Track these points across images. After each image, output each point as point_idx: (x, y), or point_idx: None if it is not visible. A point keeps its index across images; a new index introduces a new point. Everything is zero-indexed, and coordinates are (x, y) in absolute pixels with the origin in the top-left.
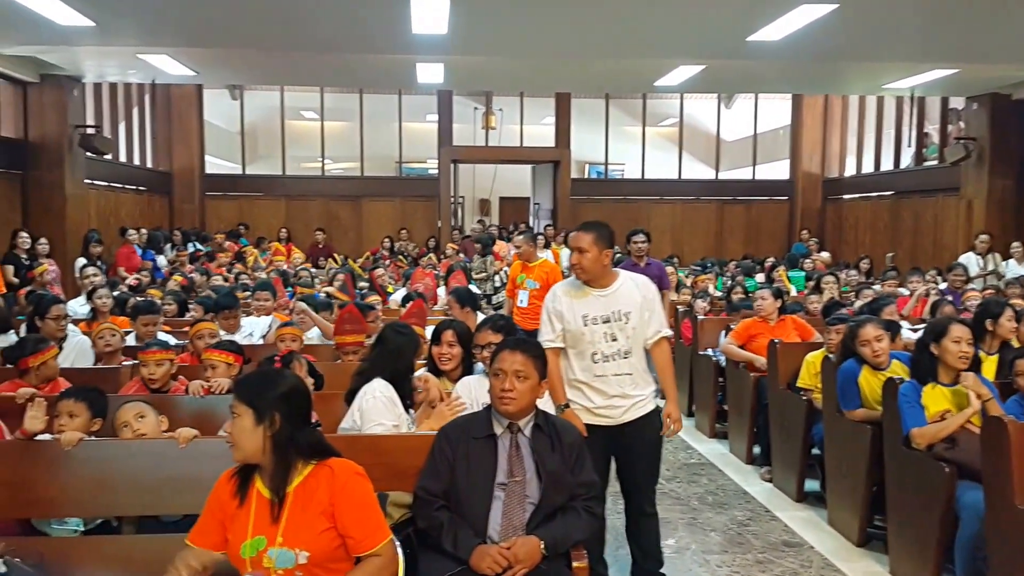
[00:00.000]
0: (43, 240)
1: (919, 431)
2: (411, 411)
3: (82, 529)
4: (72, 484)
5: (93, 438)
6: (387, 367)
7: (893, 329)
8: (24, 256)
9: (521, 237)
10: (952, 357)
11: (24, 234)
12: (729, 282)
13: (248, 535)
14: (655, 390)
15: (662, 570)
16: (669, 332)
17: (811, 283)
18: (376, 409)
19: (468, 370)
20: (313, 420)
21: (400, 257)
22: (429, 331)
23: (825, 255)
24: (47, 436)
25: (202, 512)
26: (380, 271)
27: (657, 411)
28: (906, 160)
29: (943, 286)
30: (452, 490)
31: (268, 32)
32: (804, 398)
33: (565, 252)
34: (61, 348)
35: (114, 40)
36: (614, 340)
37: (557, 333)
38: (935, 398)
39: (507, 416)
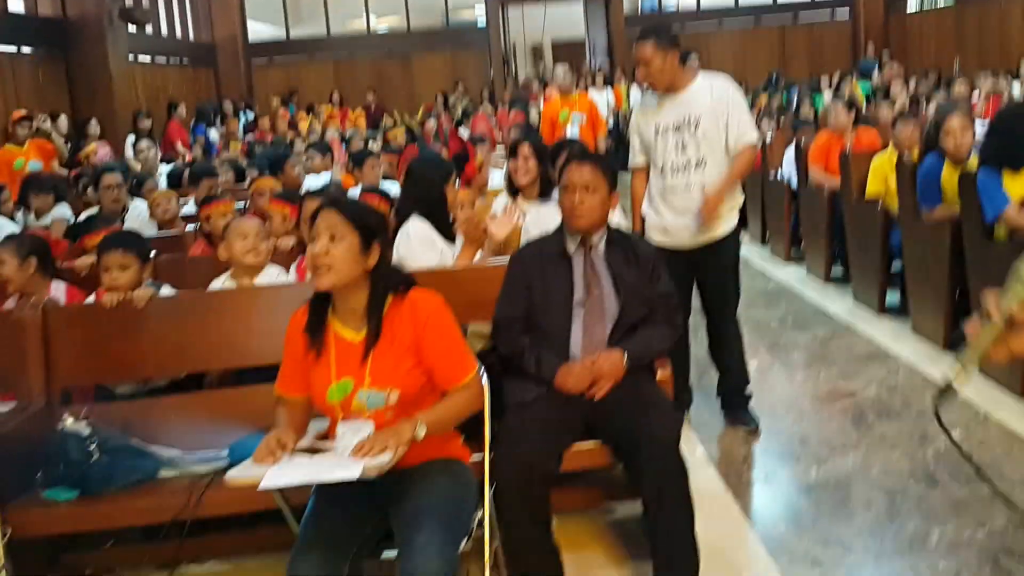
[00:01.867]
0: (93, 121)
1: (1011, 211)
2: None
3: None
4: (150, 344)
5: (165, 292)
6: (420, 201)
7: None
8: (64, 139)
9: (560, 69)
10: None
11: (63, 117)
12: (795, 98)
13: (333, 378)
14: (733, 207)
15: (748, 387)
16: (753, 138)
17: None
18: (412, 251)
19: (545, 190)
20: None
21: (451, 113)
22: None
23: (895, 66)
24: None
25: (283, 358)
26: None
27: (736, 233)
28: None
29: (1016, 88)
30: (531, 313)
31: None
32: (880, 206)
33: (635, 92)
34: (123, 221)
35: None
36: (684, 150)
37: (637, 149)
38: (1014, 185)
39: (578, 231)
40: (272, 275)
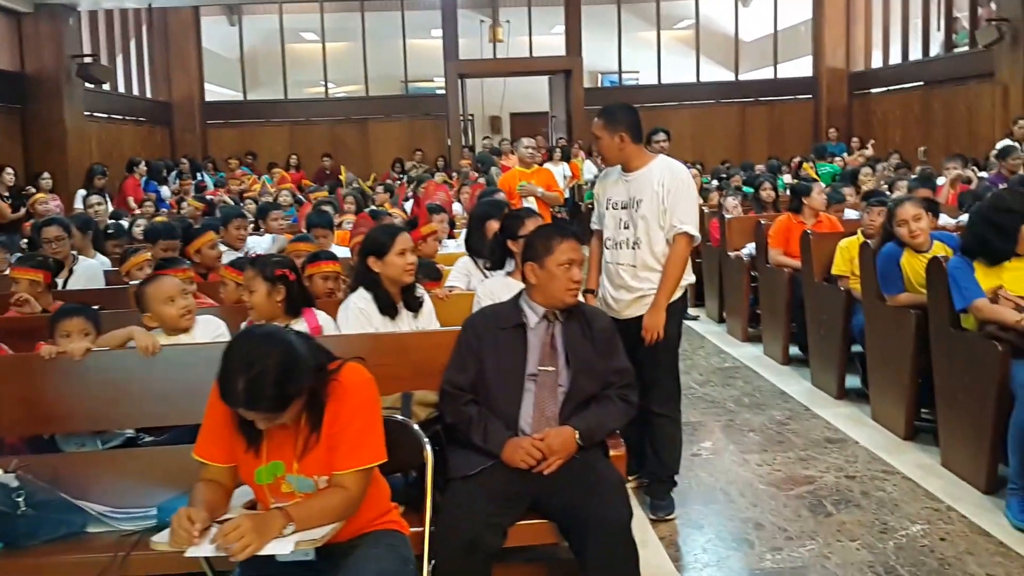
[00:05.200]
0: (45, 174)
1: (982, 303)
2: (410, 311)
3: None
4: (85, 397)
5: (103, 348)
6: (362, 273)
7: (932, 209)
8: (7, 194)
9: (527, 141)
10: None
11: (9, 170)
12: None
13: (263, 459)
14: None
15: (675, 475)
16: (688, 228)
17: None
18: (346, 323)
19: (500, 261)
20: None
21: (405, 179)
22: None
23: (868, 151)
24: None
25: (205, 420)
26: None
27: (677, 311)
28: (935, 48)
29: (983, 174)
30: (480, 383)
31: None
32: (842, 288)
33: (587, 165)
34: (72, 272)
35: None
36: (626, 228)
37: (596, 215)
38: (987, 277)
39: (565, 306)
40: (212, 327)
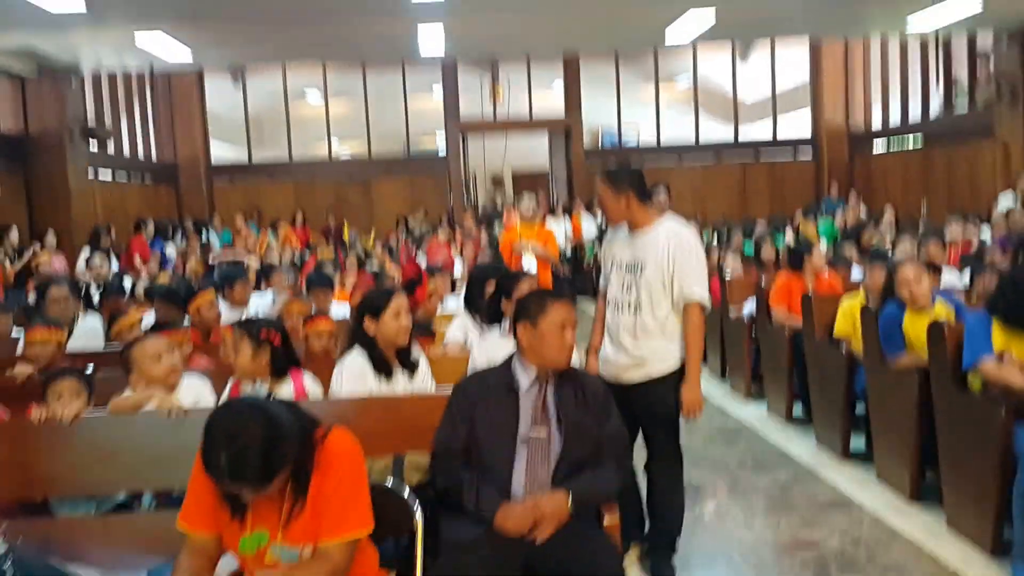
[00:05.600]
0: (51, 232)
1: (990, 364)
2: (407, 371)
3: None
4: (77, 461)
5: (96, 412)
6: (357, 333)
7: (934, 270)
8: (12, 253)
9: (527, 198)
10: None
11: (15, 230)
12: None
13: (248, 528)
14: (668, 358)
15: (678, 539)
16: (700, 297)
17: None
18: (340, 383)
19: (495, 318)
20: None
21: (409, 237)
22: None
23: (862, 206)
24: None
25: (189, 488)
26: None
27: (669, 384)
28: (935, 107)
29: (986, 232)
30: (472, 447)
31: (262, 3)
32: (844, 349)
33: (587, 221)
34: (71, 333)
35: (107, 23)
36: (629, 290)
37: (603, 275)
38: (1001, 338)
39: (558, 368)
40: (196, 388)
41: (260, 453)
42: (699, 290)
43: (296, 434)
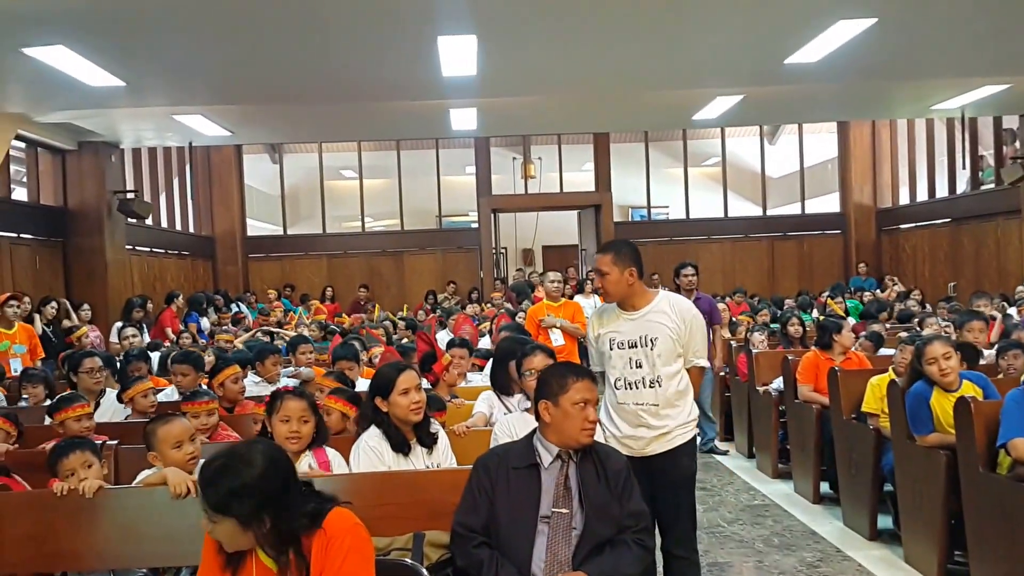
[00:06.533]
0: (85, 306)
1: (1020, 442)
2: (424, 448)
3: None
4: (97, 535)
5: (116, 486)
6: (371, 412)
7: (966, 351)
8: (47, 324)
9: (553, 276)
10: None
11: (54, 304)
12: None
13: None
14: (688, 423)
15: None
16: (703, 362)
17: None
18: (357, 462)
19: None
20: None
21: (439, 311)
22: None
23: (899, 286)
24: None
25: (200, 568)
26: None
27: (689, 447)
28: (962, 185)
29: (1012, 311)
30: (492, 525)
31: (298, 85)
32: (871, 427)
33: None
34: (98, 404)
35: (146, 100)
36: (639, 367)
37: (595, 360)
38: None
39: (580, 446)
40: None
41: (228, 478)
42: (704, 356)
43: (276, 492)
